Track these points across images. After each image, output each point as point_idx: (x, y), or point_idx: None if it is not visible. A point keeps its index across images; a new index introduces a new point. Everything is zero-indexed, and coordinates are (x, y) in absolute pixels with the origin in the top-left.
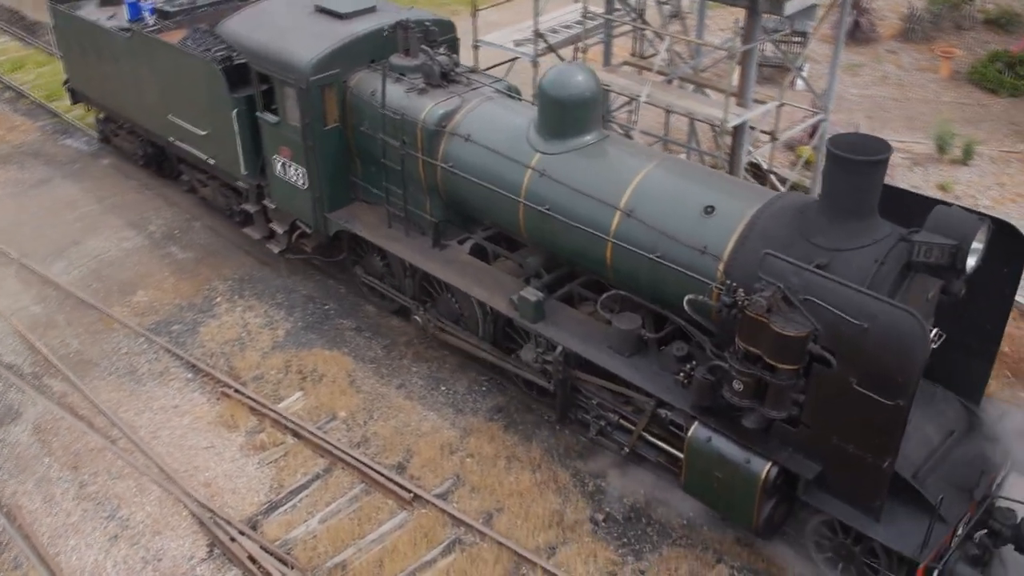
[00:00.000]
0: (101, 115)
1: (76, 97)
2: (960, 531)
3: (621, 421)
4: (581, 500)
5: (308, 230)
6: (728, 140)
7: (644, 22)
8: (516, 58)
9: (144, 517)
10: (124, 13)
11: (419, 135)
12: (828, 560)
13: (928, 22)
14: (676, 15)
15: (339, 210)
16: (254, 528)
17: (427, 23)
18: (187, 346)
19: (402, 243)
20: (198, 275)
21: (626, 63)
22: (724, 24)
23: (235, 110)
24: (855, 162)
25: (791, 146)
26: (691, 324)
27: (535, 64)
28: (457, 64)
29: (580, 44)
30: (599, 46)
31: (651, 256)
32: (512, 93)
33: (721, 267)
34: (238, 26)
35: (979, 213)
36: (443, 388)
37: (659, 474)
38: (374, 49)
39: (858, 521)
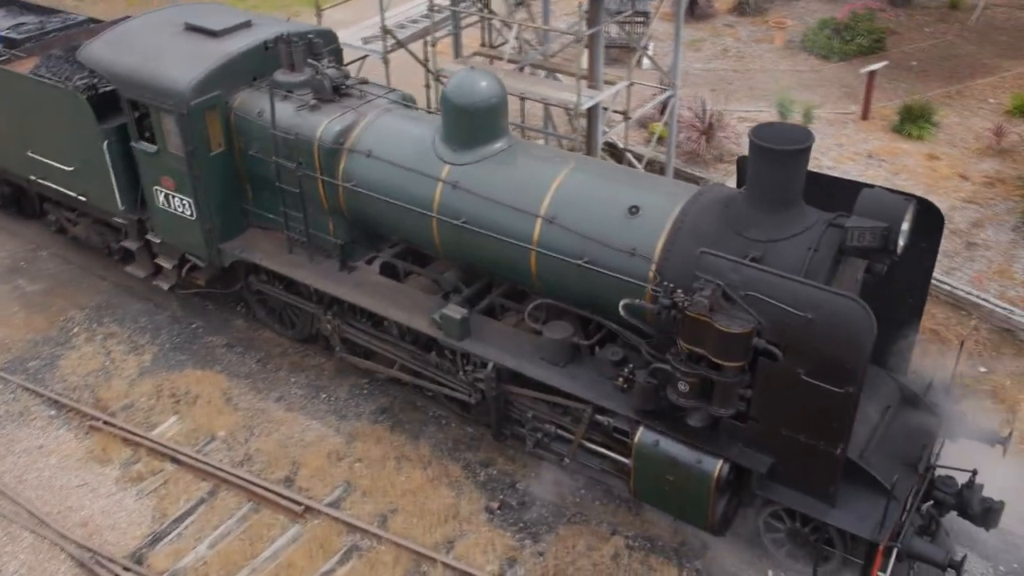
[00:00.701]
0: None
1: None
2: (909, 505)
3: (559, 431)
4: (475, 491)
5: (200, 263)
6: (583, 122)
7: (491, 12)
8: (366, 56)
9: (18, 567)
10: None
11: (316, 155)
12: (780, 546)
13: None
14: (521, 3)
15: (233, 239)
16: (139, 563)
17: (310, 35)
18: (46, 382)
19: (306, 269)
20: (51, 306)
21: (477, 54)
22: (569, 9)
23: (105, 142)
24: (780, 152)
25: (644, 123)
26: (625, 327)
27: (386, 61)
28: (347, 76)
29: (429, 38)
30: (448, 39)
31: (578, 262)
32: (408, 103)
33: (653, 268)
34: (103, 51)
35: (903, 193)
36: (324, 396)
37: (547, 458)
38: (255, 66)
39: (814, 508)
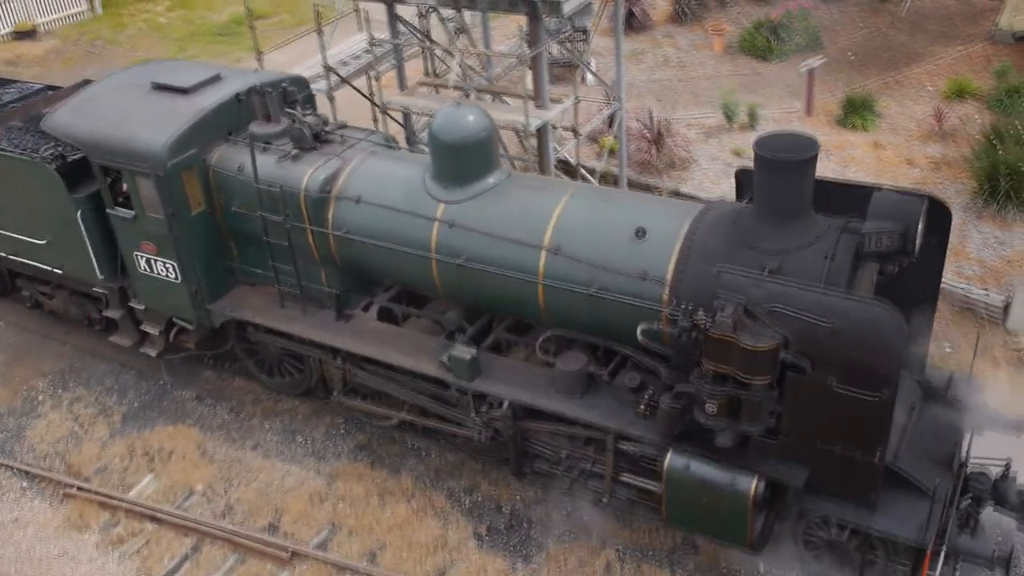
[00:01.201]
0: None
1: None
2: (950, 504)
3: (592, 468)
4: (461, 519)
5: (188, 326)
6: (534, 142)
7: (432, 41)
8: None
9: None
10: None
11: (303, 205)
12: (820, 557)
13: (695, 3)
14: (461, 30)
15: (221, 298)
16: None
17: (283, 84)
18: (15, 454)
19: (301, 322)
20: (11, 378)
21: (421, 83)
22: (509, 32)
23: (79, 211)
24: (787, 163)
25: (594, 138)
26: (641, 352)
27: (331, 99)
28: (326, 122)
29: (372, 72)
30: (392, 71)
31: (588, 291)
32: (390, 144)
33: (667, 290)
34: (69, 118)
35: (913, 192)
36: (300, 439)
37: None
38: (229, 120)
39: (855, 516)
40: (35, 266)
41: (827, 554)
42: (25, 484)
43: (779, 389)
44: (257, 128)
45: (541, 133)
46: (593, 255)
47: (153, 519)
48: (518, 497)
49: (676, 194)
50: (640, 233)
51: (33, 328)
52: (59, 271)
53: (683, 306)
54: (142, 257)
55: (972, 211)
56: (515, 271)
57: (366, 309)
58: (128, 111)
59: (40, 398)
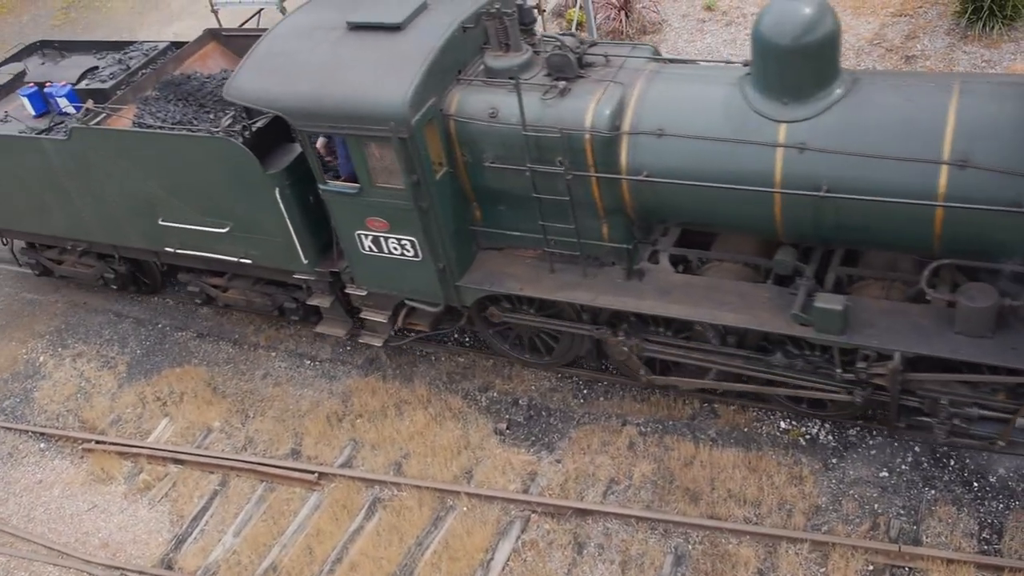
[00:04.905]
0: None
1: None
2: None
3: (983, 413)
4: (480, 418)
5: (432, 308)
6: None
7: None
8: (261, 9)
9: None
10: (26, 108)
11: (589, 149)
12: None
13: None
14: None
15: (469, 272)
16: (170, 567)
17: (516, 2)
18: (26, 417)
19: (584, 288)
20: (9, 342)
21: None
22: None
23: (277, 189)
24: None
25: (559, 13)
26: None
27: (283, 10)
28: (583, 42)
29: None
30: None
31: (1017, 209)
32: (658, 56)
33: None
34: (260, 80)
35: None
36: (308, 362)
37: (539, 368)
38: (456, 57)
39: None
40: (213, 258)
41: None
42: (43, 446)
43: None
44: (495, 61)
45: None
46: (1020, 162)
47: (176, 461)
48: (533, 388)
49: None
50: None
51: (21, 291)
52: (247, 260)
53: None
54: (367, 236)
55: (956, 33)
56: (902, 195)
57: (653, 260)
58: (335, 62)
59: (41, 359)
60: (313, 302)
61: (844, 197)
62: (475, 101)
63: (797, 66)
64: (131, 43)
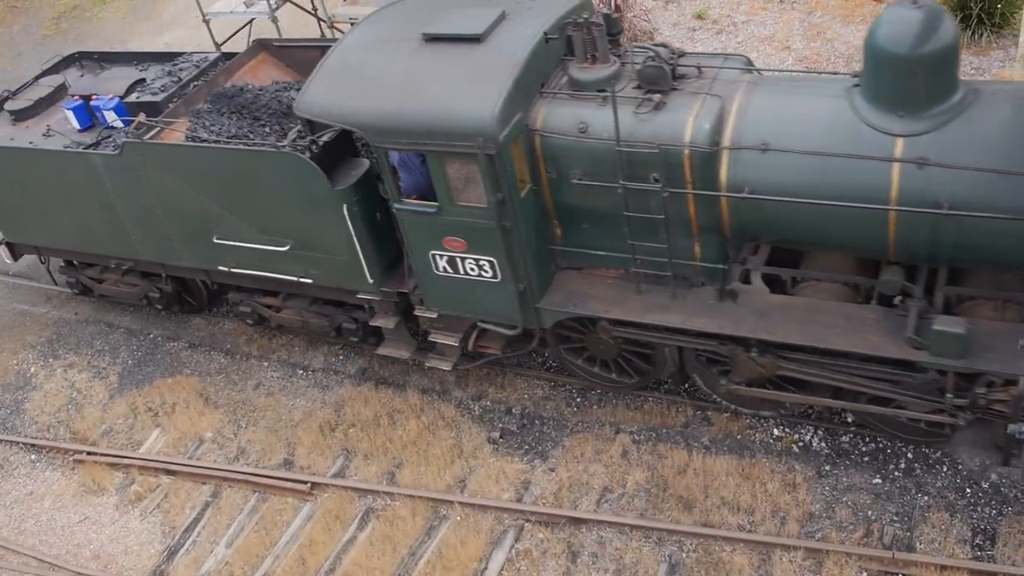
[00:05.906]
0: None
1: (18, 250)
2: None
3: None
4: (473, 426)
5: (508, 331)
6: None
7: None
8: (253, 19)
9: None
10: (69, 122)
11: (687, 165)
12: None
13: None
14: None
15: (549, 293)
16: None
17: (601, 12)
18: (17, 428)
19: (674, 310)
20: (0, 352)
21: None
22: None
23: (345, 205)
24: None
25: None
26: None
27: (275, 20)
28: (674, 52)
29: None
30: None
31: None
32: (752, 67)
33: None
34: (333, 95)
35: None
36: (300, 372)
37: (532, 376)
38: (539, 69)
39: None
40: (268, 277)
41: None
42: (33, 457)
43: None
44: (582, 73)
45: None
46: None
47: (168, 472)
48: (526, 397)
49: None
50: None
51: (8, 303)
52: (306, 280)
53: None
54: (442, 256)
55: None
56: None
57: (745, 280)
58: (413, 76)
59: (32, 370)
60: (376, 323)
61: (970, 215)
62: (563, 115)
63: (915, 77)
64: (179, 54)
